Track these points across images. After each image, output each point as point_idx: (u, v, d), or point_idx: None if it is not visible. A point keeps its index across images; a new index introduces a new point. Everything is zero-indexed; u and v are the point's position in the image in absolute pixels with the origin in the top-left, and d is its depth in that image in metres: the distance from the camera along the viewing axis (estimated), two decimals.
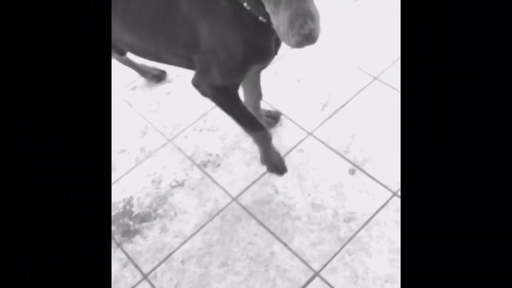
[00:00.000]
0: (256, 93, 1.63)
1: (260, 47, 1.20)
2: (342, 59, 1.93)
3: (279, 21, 0.97)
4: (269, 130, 1.45)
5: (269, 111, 1.76)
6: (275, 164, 1.55)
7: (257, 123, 1.40)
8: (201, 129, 1.79)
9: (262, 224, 1.49)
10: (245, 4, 1.12)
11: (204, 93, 1.33)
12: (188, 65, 1.37)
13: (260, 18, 1.12)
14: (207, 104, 1.74)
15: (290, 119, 1.77)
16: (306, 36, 0.94)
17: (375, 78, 1.85)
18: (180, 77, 1.98)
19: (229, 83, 1.28)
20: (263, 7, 1.03)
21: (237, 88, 1.31)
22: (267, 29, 1.10)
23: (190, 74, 1.36)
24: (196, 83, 1.32)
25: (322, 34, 2.06)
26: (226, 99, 1.32)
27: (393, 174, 1.54)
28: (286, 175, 1.60)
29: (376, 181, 1.54)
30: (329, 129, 1.71)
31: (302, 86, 1.87)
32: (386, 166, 1.57)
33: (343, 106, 1.78)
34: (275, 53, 1.27)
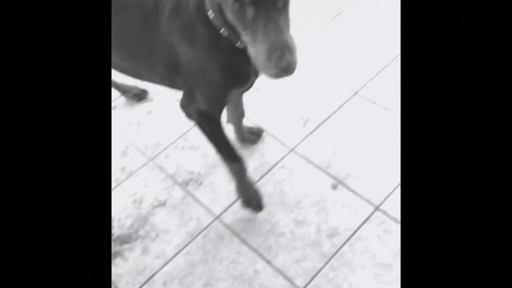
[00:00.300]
0: (238, 111, 1.63)
1: (238, 72, 1.20)
2: (323, 75, 1.95)
3: (256, 52, 0.98)
4: (245, 164, 1.43)
5: (251, 128, 1.76)
6: (249, 198, 1.48)
7: (235, 154, 1.40)
8: (182, 147, 1.78)
9: (245, 242, 1.47)
10: (222, 30, 1.12)
11: (189, 116, 1.34)
12: (170, 84, 1.37)
13: (238, 44, 1.13)
14: (189, 122, 1.73)
15: (272, 136, 1.77)
16: (284, 68, 0.95)
17: (356, 93, 1.87)
18: (161, 95, 1.98)
19: (213, 108, 1.29)
20: (240, 35, 1.05)
21: (220, 113, 1.32)
22: (244, 54, 1.11)
23: (171, 92, 1.36)
24: (183, 106, 1.34)
25: (303, 50, 2.07)
26: (209, 125, 1.33)
27: (375, 188, 1.55)
28: (268, 192, 1.59)
29: (358, 195, 1.54)
30: (311, 145, 1.72)
31: (283, 102, 1.88)
32: (368, 181, 1.57)
33: (324, 121, 1.79)
34: (256, 77, 1.27)
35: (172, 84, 1.37)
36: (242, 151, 1.73)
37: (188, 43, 1.19)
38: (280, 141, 1.75)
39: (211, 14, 1.11)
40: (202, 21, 1.13)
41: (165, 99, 1.95)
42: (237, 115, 1.65)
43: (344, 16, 2.20)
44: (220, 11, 1.07)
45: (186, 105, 1.32)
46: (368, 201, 1.52)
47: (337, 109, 1.82)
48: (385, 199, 1.51)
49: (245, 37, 1.01)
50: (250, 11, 0.96)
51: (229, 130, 1.73)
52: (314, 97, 1.88)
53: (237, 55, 1.15)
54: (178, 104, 1.81)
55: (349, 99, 1.85)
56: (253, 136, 1.75)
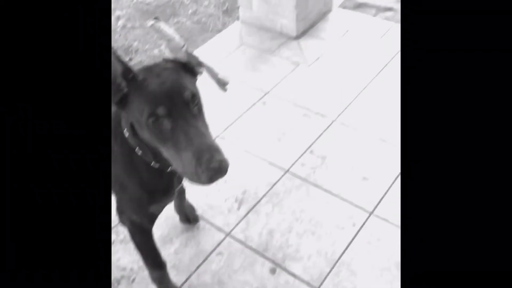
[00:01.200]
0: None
1: (155, 191, 1.19)
2: (253, 156, 1.99)
3: (183, 163, 0.93)
4: (168, 273, 1.43)
5: (189, 213, 1.72)
6: None
7: (159, 262, 1.40)
8: (113, 242, 1.68)
9: None
10: (136, 149, 1.10)
11: (123, 223, 1.34)
12: None
13: (152, 164, 1.11)
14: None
15: (207, 221, 1.74)
16: (217, 169, 0.91)
17: (287, 171, 1.92)
18: None
19: (143, 220, 1.28)
20: (157, 153, 1.03)
21: (152, 224, 1.30)
22: (161, 173, 1.11)
23: None
24: (118, 212, 1.33)
25: (231, 133, 2.11)
26: (140, 235, 1.32)
27: (313, 269, 1.55)
28: (206, 282, 1.53)
29: (298, 278, 1.52)
30: (247, 228, 1.70)
31: (217, 185, 1.87)
32: (306, 261, 1.57)
33: (258, 202, 1.80)
34: (174, 192, 1.27)
35: None
36: (178, 239, 1.68)
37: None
38: (215, 225, 1.72)
39: (125, 133, 1.10)
40: (118, 139, 1.12)
41: None
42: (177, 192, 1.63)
43: (268, 99, 2.31)
44: (133, 131, 1.06)
45: (120, 213, 1.33)
46: (308, 283, 1.51)
47: (270, 189, 1.85)
48: (323, 280, 1.51)
49: (167, 152, 0.97)
50: (166, 123, 0.93)
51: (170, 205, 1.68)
52: (246, 178, 1.89)
53: (154, 174, 1.13)
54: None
55: (280, 178, 1.89)
56: (188, 222, 1.71)
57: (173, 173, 1.16)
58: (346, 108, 2.19)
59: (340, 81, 2.36)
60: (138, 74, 0.97)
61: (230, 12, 3.26)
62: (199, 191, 1.84)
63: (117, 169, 1.16)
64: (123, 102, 0.98)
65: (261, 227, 1.70)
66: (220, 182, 1.85)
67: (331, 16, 2.83)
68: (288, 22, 2.64)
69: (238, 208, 1.78)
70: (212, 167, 0.91)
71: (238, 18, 2.92)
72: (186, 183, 1.39)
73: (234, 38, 2.74)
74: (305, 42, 2.64)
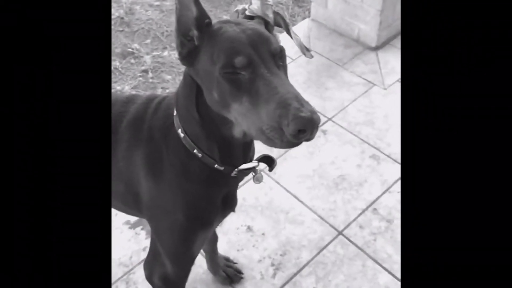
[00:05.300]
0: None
1: (205, 211, 0.97)
2: (300, 204, 1.63)
3: (261, 119, 0.74)
4: None
5: (229, 264, 1.46)
6: None
7: None
8: None
9: None
10: (195, 151, 0.89)
11: (150, 279, 1.12)
12: (136, 215, 1.21)
13: (216, 166, 0.90)
14: (131, 258, 1.40)
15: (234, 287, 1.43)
16: (309, 119, 0.70)
17: (340, 233, 1.55)
18: None
19: (180, 268, 1.08)
20: (224, 147, 0.86)
21: (186, 278, 1.11)
22: (222, 181, 0.93)
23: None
24: (147, 265, 1.11)
25: (277, 168, 1.74)
26: None
27: None
28: None
29: None
30: None
31: (252, 237, 1.55)
32: None
33: (299, 271, 1.46)
34: (223, 216, 1.05)
35: (137, 215, 1.19)
36: None
37: (151, 179, 0.96)
38: None
39: (180, 134, 0.91)
40: (172, 145, 0.92)
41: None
42: (207, 241, 1.36)
43: (330, 128, 1.91)
44: (189, 116, 0.87)
45: (151, 266, 1.10)
46: None
47: (316, 255, 1.49)
48: None
49: (240, 108, 0.78)
50: (246, 74, 0.76)
51: None
52: (289, 233, 1.55)
53: (214, 183, 0.94)
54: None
55: (330, 242, 1.53)
56: (226, 276, 1.44)
57: (237, 180, 0.99)
58: None
59: None
60: (215, 24, 0.83)
61: (301, 2, 2.83)
62: (232, 241, 1.54)
63: (159, 192, 0.97)
64: (192, 56, 0.82)
65: None
66: (257, 235, 1.55)
67: None
68: (368, 29, 2.19)
69: (274, 276, 1.45)
70: (303, 116, 0.70)
71: (309, 14, 2.50)
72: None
73: (302, 39, 2.33)
74: (385, 56, 2.18)
